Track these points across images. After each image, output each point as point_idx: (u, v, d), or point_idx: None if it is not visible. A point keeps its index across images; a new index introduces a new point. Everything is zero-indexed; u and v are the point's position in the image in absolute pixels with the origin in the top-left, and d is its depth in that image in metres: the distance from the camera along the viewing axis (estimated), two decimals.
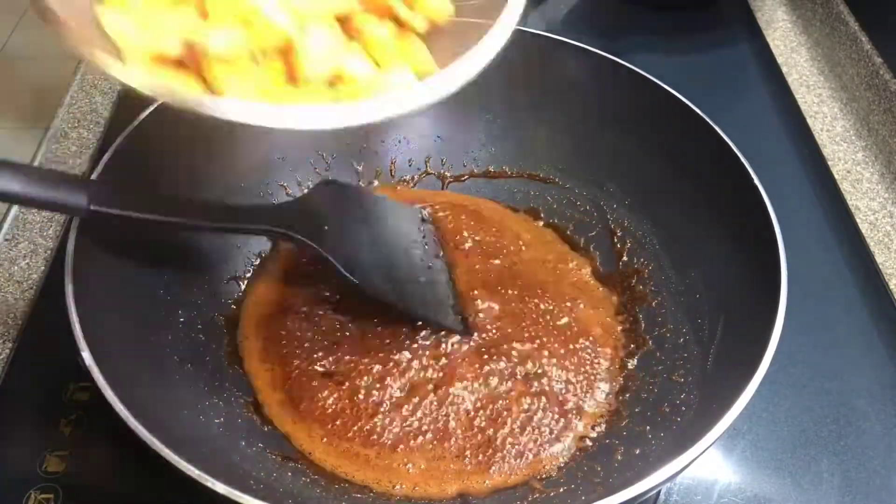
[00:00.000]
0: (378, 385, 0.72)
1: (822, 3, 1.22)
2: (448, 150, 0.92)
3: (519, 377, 0.74)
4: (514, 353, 0.76)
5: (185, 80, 0.51)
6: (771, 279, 0.63)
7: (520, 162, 0.91)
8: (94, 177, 0.66)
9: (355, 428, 0.70)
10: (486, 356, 0.75)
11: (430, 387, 0.72)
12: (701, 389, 0.68)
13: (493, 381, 0.73)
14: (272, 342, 0.76)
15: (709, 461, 0.74)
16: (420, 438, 0.70)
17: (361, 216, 0.78)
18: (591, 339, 0.78)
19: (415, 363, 0.74)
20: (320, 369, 0.73)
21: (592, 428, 0.72)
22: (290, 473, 0.66)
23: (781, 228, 0.66)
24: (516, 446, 0.70)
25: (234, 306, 0.79)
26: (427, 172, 0.92)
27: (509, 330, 0.77)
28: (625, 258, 0.84)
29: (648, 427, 0.69)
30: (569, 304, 0.80)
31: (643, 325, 0.79)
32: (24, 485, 0.68)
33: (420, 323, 0.76)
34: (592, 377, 0.75)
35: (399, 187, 0.92)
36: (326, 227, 0.72)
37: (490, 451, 0.69)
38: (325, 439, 0.69)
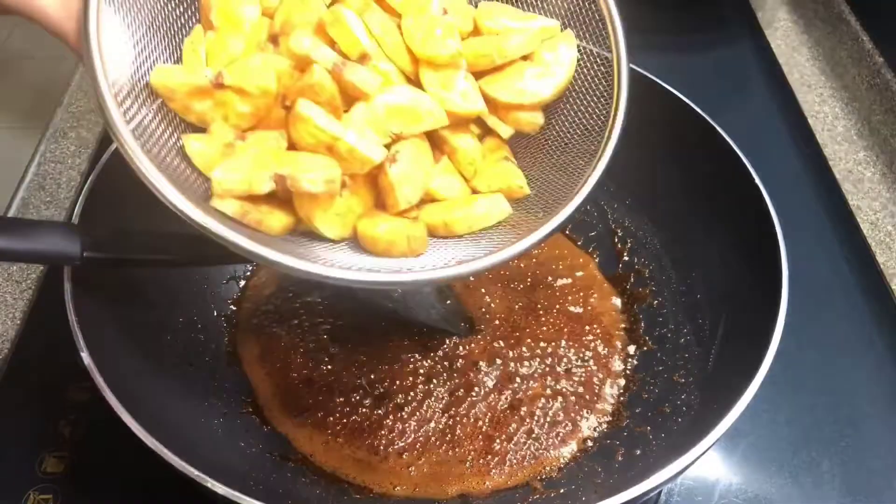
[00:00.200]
0: (379, 389, 0.72)
1: (823, 2, 1.22)
2: None
3: (522, 380, 0.74)
4: (516, 355, 0.75)
5: (272, 214, 0.49)
6: (772, 279, 0.63)
7: None
8: (75, 219, 0.64)
9: (356, 432, 0.70)
10: (488, 360, 0.75)
11: (432, 391, 0.72)
12: (702, 390, 0.68)
13: (497, 384, 0.73)
14: (270, 345, 0.76)
15: (710, 462, 0.73)
16: (421, 443, 0.69)
17: None
18: (594, 339, 0.78)
19: (416, 367, 0.74)
20: (319, 374, 0.73)
21: (594, 429, 0.72)
22: (289, 474, 0.65)
23: (782, 228, 0.66)
24: (519, 449, 0.69)
25: (233, 307, 0.79)
26: None
27: (513, 332, 0.77)
28: (625, 258, 0.83)
29: (649, 427, 0.69)
30: (571, 305, 0.80)
31: (644, 326, 0.78)
32: (23, 485, 0.68)
33: (423, 327, 0.76)
34: (596, 378, 0.75)
35: None
36: None
37: (492, 453, 0.69)
38: (324, 443, 0.69)
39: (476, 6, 0.58)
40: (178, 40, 0.53)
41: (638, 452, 0.66)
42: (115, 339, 0.61)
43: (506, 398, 0.72)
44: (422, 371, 0.73)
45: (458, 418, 0.71)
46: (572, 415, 0.72)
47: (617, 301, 0.82)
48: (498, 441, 0.70)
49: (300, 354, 0.74)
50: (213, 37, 0.52)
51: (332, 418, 0.70)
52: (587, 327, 0.78)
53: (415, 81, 0.54)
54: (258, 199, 0.49)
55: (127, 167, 0.45)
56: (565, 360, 0.76)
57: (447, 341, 0.75)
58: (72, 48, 0.48)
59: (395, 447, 0.69)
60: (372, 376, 0.73)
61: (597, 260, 0.85)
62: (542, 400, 0.72)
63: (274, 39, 0.53)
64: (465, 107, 0.54)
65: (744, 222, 0.70)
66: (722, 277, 0.73)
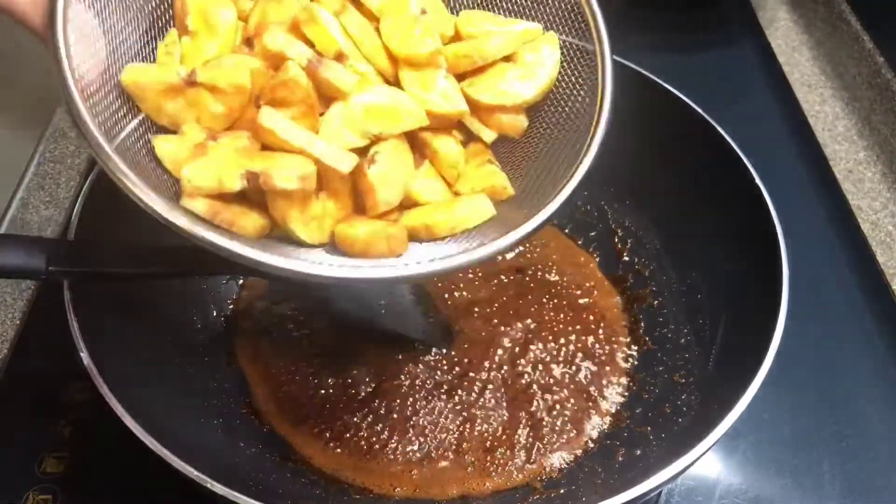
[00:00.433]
0: (377, 396, 0.72)
1: (823, 2, 1.21)
2: None
3: (521, 382, 0.73)
4: (515, 357, 0.75)
5: (245, 214, 0.48)
6: (772, 279, 0.63)
7: None
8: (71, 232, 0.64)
9: (356, 438, 0.69)
10: (488, 365, 0.74)
11: (431, 397, 0.72)
12: (702, 390, 0.68)
13: (497, 387, 0.73)
14: (268, 348, 0.75)
15: (710, 462, 0.73)
16: (422, 448, 0.69)
17: None
18: (594, 340, 0.77)
19: (416, 373, 0.73)
20: (316, 378, 0.73)
21: (594, 429, 0.72)
22: (289, 474, 0.65)
23: (783, 228, 0.66)
24: (520, 451, 0.69)
25: (232, 307, 0.79)
26: None
27: (512, 334, 0.77)
28: (625, 258, 0.83)
29: (649, 428, 0.68)
30: (571, 305, 0.80)
31: (644, 326, 0.78)
32: (23, 485, 0.68)
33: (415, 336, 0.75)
34: (596, 378, 0.75)
35: None
36: None
37: (493, 456, 0.69)
38: (323, 448, 0.69)
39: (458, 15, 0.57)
40: (150, 35, 0.51)
41: (638, 452, 0.66)
42: (115, 340, 0.61)
43: (506, 401, 0.72)
44: (420, 377, 0.73)
45: (458, 422, 0.71)
46: (573, 415, 0.72)
47: (617, 301, 0.82)
48: (499, 443, 0.70)
49: (297, 359, 0.74)
50: (188, 41, 0.51)
51: (330, 424, 0.70)
52: (587, 328, 0.78)
53: (394, 84, 0.53)
54: (230, 199, 0.47)
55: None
56: (565, 360, 0.75)
57: (441, 349, 0.75)
58: (39, 36, 0.47)
59: (396, 452, 0.69)
60: (368, 381, 0.72)
61: (597, 260, 0.85)
62: (543, 401, 0.72)
63: (248, 42, 0.52)
64: (445, 107, 0.53)
65: (744, 222, 0.70)
66: (722, 277, 0.73)
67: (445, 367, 0.74)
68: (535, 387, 0.73)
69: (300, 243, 0.50)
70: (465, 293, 0.80)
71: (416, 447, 0.69)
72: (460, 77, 0.55)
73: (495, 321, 0.78)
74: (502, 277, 0.82)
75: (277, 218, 0.49)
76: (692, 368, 0.71)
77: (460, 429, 0.70)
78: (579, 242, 0.86)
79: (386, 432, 0.70)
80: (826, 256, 0.91)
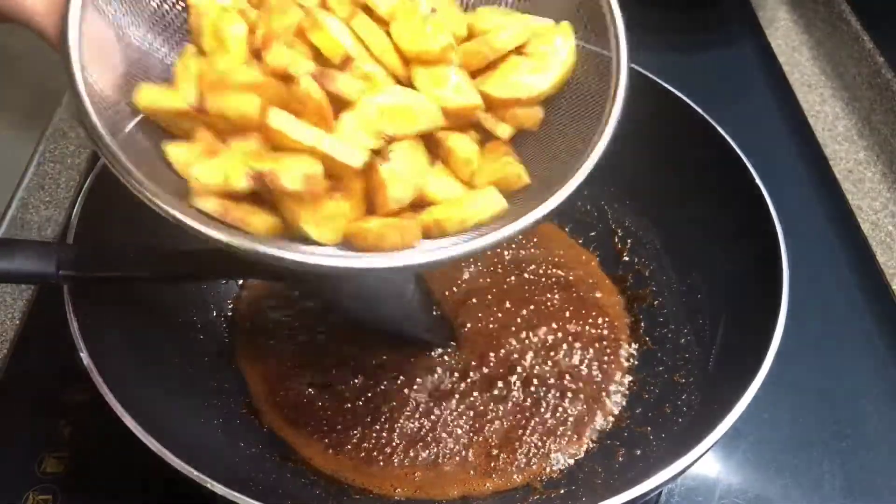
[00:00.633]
0: (377, 397, 0.72)
1: (823, 2, 1.21)
2: None
3: (521, 383, 0.73)
4: (515, 358, 0.75)
5: (256, 214, 0.48)
6: (772, 279, 0.63)
7: None
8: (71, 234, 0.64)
9: (356, 440, 0.69)
10: (488, 366, 0.74)
11: (431, 399, 0.72)
12: (702, 390, 0.67)
13: (497, 389, 0.73)
14: (268, 349, 0.75)
15: (710, 462, 0.73)
16: (422, 450, 0.69)
17: None
18: (594, 340, 0.77)
19: (416, 375, 0.73)
20: (317, 381, 0.73)
21: (594, 429, 0.72)
22: (289, 474, 0.65)
23: (783, 228, 0.66)
24: (520, 452, 0.69)
25: (232, 307, 0.79)
26: None
27: (512, 334, 0.77)
28: (626, 258, 0.83)
29: (649, 428, 0.68)
30: (571, 305, 0.80)
31: (644, 326, 0.78)
32: (23, 485, 0.68)
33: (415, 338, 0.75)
34: (597, 378, 0.75)
35: None
36: None
37: (494, 457, 0.69)
38: (324, 449, 0.69)
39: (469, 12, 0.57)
40: (170, 45, 0.52)
41: (638, 453, 0.66)
42: (115, 340, 0.61)
43: (506, 402, 0.72)
44: (422, 379, 0.73)
45: (461, 424, 0.71)
46: (573, 416, 0.72)
47: (617, 301, 0.82)
48: (500, 444, 0.70)
49: (297, 359, 0.74)
50: (203, 60, 0.51)
51: (330, 424, 0.70)
52: (587, 328, 0.78)
53: (407, 85, 0.53)
54: (241, 198, 0.47)
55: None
56: (565, 360, 0.75)
57: (444, 350, 0.75)
58: (51, 43, 0.47)
59: (396, 454, 0.69)
60: (369, 382, 0.72)
61: (597, 260, 0.85)
62: (543, 402, 0.72)
63: (257, 54, 0.52)
64: (458, 101, 0.52)
65: (744, 222, 0.70)
66: (722, 277, 0.73)
67: (448, 369, 0.74)
68: (535, 388, 0.73)
69: (311, 243, 0.50)
70: (465, 293, 0.80)
71: (418, 449, 0.69)
72: (473, 75, 0.55)
73: (496, 321, 0.78)
74: (503, 277, 0.82)
75: (288, 218, 0.49)
76: (692, 368, 0.71)
77: (463, 431, 0.70)
78: (580, 242, 0.86)
79: (386, 434, 0.70)
80: (826, 256, 0.91)
